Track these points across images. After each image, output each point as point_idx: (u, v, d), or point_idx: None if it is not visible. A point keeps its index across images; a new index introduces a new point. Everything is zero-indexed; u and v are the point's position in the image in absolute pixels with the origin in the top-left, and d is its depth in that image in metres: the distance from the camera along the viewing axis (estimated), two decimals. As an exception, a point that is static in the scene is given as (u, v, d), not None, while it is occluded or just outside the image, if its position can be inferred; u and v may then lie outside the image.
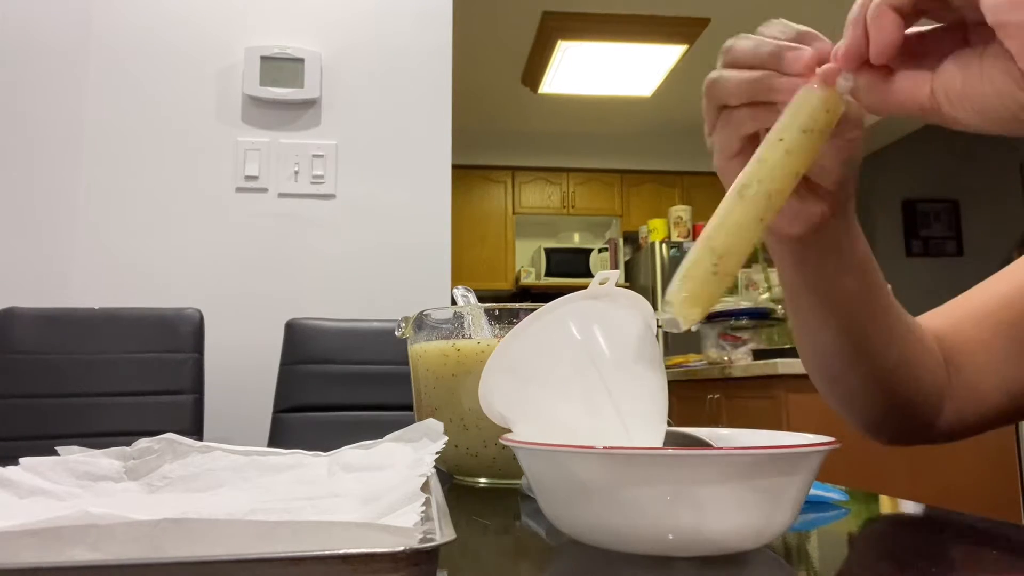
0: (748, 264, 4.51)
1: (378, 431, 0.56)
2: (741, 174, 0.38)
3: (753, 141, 0.42)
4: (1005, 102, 0.30)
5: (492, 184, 5.16)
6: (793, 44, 0.39)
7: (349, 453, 0.51)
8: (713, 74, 0.42)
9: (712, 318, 2.65)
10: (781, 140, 0.38)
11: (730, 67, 0.41)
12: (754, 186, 0.38)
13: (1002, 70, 0.30)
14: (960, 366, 0.55)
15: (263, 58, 1.74)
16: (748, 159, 0.41)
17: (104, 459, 0.48)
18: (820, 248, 0.49)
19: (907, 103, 0.34)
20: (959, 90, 0.32)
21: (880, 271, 0.52)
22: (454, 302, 0.76)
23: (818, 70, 0.37)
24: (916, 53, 0.34)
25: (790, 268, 0.51)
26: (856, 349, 0.53)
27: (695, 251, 0.38)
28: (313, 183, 1.75)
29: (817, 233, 0.47)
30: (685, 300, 0.38)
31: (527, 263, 5.24)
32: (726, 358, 2.48)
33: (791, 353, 2.15)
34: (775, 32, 0.40)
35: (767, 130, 0.40)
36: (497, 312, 0.68)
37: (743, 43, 0.40)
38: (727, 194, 0.39)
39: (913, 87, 0.34)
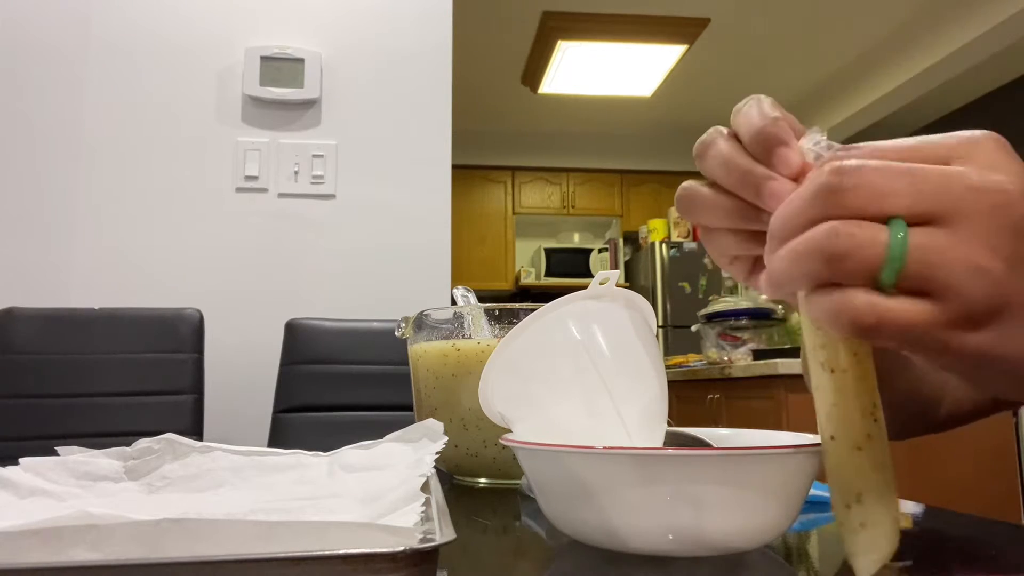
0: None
1: (378, 431, 0.56)
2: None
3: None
4: None
5: (492, 184, 5.16)
6: (772, 174, 0.33)
7: (349, 453, 0.51)
8: (686, 190, 0.36)
9: (712, 318, 2.65)
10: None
11: (705, 174, 0.36)
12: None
13: None
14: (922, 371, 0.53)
15: (263, 58, 1.74)
16: (745, 262, 0.37)
17: (104, 459, 0.48)
18: None
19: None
20: None
21: None
22: (454, 302, 0.76)
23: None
24: None
25: None
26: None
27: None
28: (313, 183, 1.75)
29: None
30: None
31: (527, 263, 5.24)
32: (726, 358, 2.48)
33: (791, 353, 2.15)
34: (748, 129, 0.34)
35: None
36: (497, 312, 0.68)
37: (716, 155, 0.34)
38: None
39: None
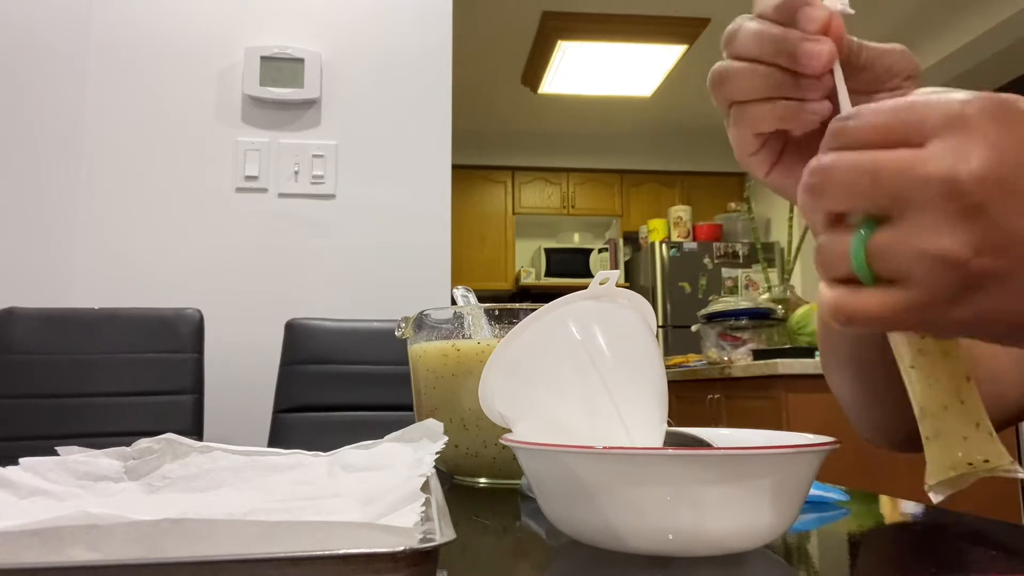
0: (748, 264, 4.53)
1: (378, 431, 0.56)
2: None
3: (774, 136, 0.38)
4: None
5: (492, 184, 5.16)
6: (806, 35, 0.34)
7: (349, 453, 0.51)
8: (718, 67, 0.37)
9: (712, 318, 2.65)
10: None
11: (736, 59, 0.36)
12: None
13: None
14: (979, 363, 0.51)
15: (263, 58, 1.74)
16: (770, 154, 0.39)
17: (104, 459, 0.48)
18: None
19: None
20: None
21: None
22: (454, 302, 0.76)
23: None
24: None
25: None
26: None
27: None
28: (313, 183, 1.75)
29: None
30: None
31: (527, 263, 5.23)
32: (726, 358, 2.48)
33: (791, 353, 2.15)
34: (770, 3, 0.35)
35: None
36: (497, 312, 0.68)
37: (746, 33, 0.36)
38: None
39: None
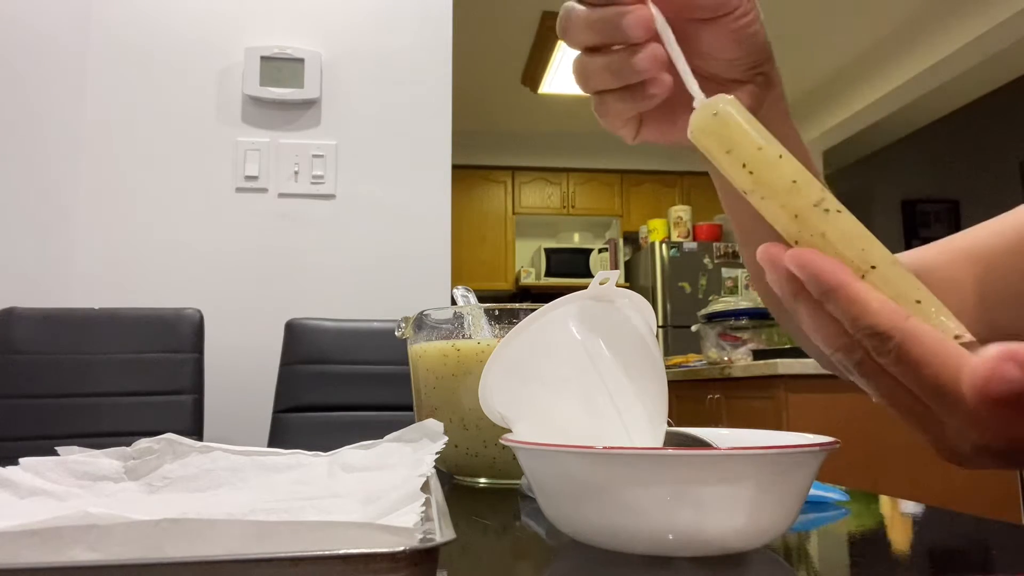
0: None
1: (378, 431, 0.56)
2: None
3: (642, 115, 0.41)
4: None
5: (492, 184, 5.16)
6: (623, 9, 0.36)
7: (349, 453, 0.52)
8: (575, 64, 0.39)
9: (712, 318, 2.65)
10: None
11: (582, 49, 0.38)
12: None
13: None
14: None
15: (263, 58, 1.74)
16: (632, 128, 0.41)
17: (104, 459, 0.48)
18: None
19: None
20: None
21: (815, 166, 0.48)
22: (454, 302, 0.76)
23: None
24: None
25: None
26: None
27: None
28: (313, 183, 1.75)
29: None
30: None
31: (527, 263, 5.23)
32: (726, 358, 2.48)
33: (791, 353, 2.15)
34: None
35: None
36: (497, 312, 0.68)
37: (576, 23, 0.37)
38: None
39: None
